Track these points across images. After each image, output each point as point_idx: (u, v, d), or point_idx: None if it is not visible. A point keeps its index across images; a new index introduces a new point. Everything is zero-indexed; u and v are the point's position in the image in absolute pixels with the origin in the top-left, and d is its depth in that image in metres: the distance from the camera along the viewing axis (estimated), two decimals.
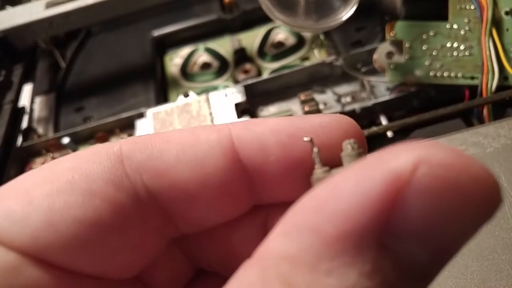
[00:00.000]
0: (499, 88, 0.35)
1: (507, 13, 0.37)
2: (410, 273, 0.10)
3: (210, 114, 0.39)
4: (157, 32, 0.54)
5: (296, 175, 0.15)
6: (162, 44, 0.54)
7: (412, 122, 0.30)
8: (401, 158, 0.10)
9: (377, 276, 0.09)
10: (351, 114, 0.39)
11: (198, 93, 0.46)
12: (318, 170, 0.14)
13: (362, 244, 0.09)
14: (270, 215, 0.16)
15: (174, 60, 0.53)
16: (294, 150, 0.15)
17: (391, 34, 0.38)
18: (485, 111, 0.35)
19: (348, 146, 0.14)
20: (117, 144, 0.15)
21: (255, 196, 0.15)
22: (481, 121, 0.35)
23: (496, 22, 0.37)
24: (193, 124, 0.39)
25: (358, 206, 0.09)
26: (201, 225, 0.16)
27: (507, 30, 0.37)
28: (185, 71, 0.51)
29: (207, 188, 0.15)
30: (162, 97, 0.49)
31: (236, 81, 0.48)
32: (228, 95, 0.41)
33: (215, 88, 0.48)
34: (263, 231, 0.16)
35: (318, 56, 0.40)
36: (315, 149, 0.14)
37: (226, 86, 0.46)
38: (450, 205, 0.09)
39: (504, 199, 0.24)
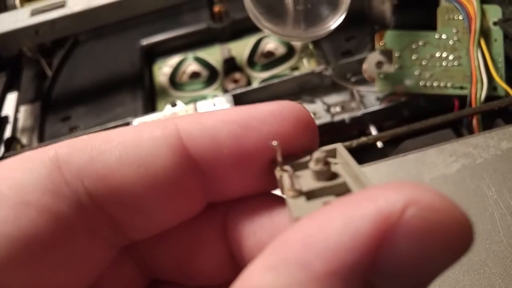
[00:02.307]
0: (488, 98, 0.35)
1: (495, 23, 0.38)
2: None
3: None
4: (145, 41, 0.53)
5: (251, 167, 0.14)
6: (150, 53, 0.54)
7: (402, 132, 0.30)
8: (391, 198, 0.10)
9: None
10: (341, 124, 0.39)
11: (187, 103, 0.45)
12: (285, 175, 0.13)
13: (349, 281, 0.10)
14: (228, 214, 0.15)
15: (163, 69, 0.52)
16: (247, 141, 0.14)
17: (380, 44, 0.38)
18: (474, 121, 0.35)
19: (318, 162, 0.13)
20: (52, 149, 0.13)
21: (209, 193, 0.14)
22: (471, 131, 0.35)
23: (484, 33, 0.37)
24: None
25: (347, 245, 0.10)
26: (152, 230, 0.14)
27: (495, 40, 0.37)
28: (174, 80, 0.51)
29: (155, 190, 0.13)
30: (150, 107, 0.48)
31: (225, 91, 0.48)
32: (216, 105, 0.40)
33: (204, 98, 0.47)
34: (222, 232, 0.15)
35: (307, 65, 0.40)
36: (275, 143, 0.13)
37: (215, 96, 0.46)
38: (435, 246, 0.10)
39: (495, 212, 0.23)
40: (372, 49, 0.45)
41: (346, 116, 0.40)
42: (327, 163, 0.13)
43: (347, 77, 0.42)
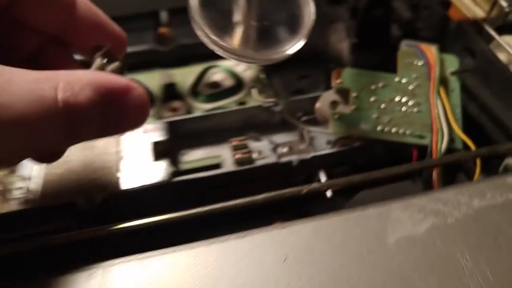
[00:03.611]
0: (447, 150, 0.32)
1: (452, 73, 0.35)
2: None
3: (117, 152, 0.32)
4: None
5: None
6: None
7: (358, 180, 0.25)
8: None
9: None
10: (287, 166, 0.34)
11: None
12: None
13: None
14: None
15: None
16: None
17: (337, 81, 0.35)
18: (435, 174, 0.31)
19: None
20: None
21: None
22: (430, 185, 0.31)
23: (443, 81, 0.35)
24: (95, 164, 0.32)
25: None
26: None
27: (452, 90, 0.35)
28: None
29: None
30: None
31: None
32: (146, 132, 0.35)
33: None
34: None
35: (257, 97, 0.35)
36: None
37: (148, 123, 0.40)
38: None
39: (471, 284, 0.19)
40: (326, 89, 0.41)
41: (294, 158, 0.35)
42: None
43: (298, 115, 0.38)
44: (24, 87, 0.18)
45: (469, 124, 0.34)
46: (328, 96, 0.35)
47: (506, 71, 0.32)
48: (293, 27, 0.27)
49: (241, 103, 0.45)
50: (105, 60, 0.24)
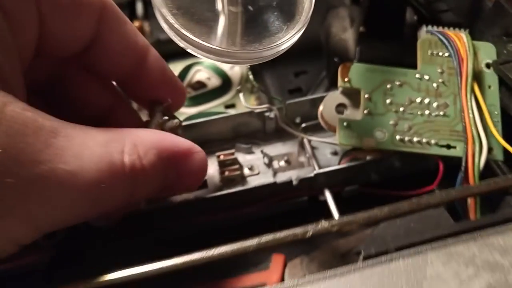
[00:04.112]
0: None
1: (488, 65, 0.29)
2: None
3: None
4: None
5: None
6: None
7: (377, 217, 0.19)
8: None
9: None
10: (286, 186, 0.28)
11: None
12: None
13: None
14: None
15: None
16: None
17: (345, 80, 0.28)
18: (470, 201, 0.25)
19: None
20: None
21: None
22: (463, 213, 0.25)
23: (477, 76, 0.28)
24: None
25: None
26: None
27: (489, 87, 0.28)
28: None
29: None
30: None
31: None
32: None
33: None
34: None
35: (244, 103, 0.29)
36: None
37: None
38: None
39: None
40: (331, 87, 0.35)
41: (293, 175, 0.29)
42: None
43: (296, 121, 0.32)
44: (96, 152, 0.18)
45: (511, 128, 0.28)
46: (334, 98, 0.29)
47: None
48: (288, 14, 0.20)
49: (230, 105, 0.39)
50: (165, 117, 0.25)
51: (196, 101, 0.39)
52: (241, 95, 0.29)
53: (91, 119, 0.24)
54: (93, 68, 0.24)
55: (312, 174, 0.27)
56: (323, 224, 0.19)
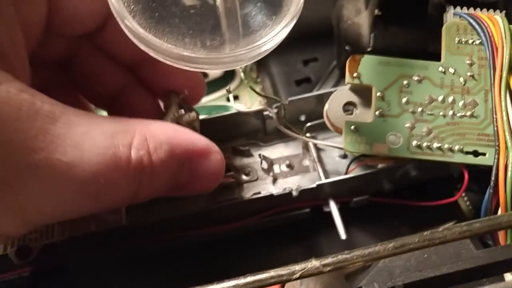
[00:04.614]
0: None
1: None
2: None
3: None
4: None
5: None
6: None
7: (383, 254, 0.15)
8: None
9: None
10: (286, 197, 0.24)
11: None
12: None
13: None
14: None
15: None
16: None
17: (354, 75, 0.24)
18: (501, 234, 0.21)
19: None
20: None
21: None
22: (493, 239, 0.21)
23: None
24: None
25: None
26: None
27: None
28: None
29: None
30: None
31: None
32: None
33: None
34: None
35: (234, 105, 0.25)
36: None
37: None
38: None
39: None
40: (342, 79, 0.31)
41: (295, 183, 0.25)
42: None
43: (301, 119, 0.28)
44: (99, 143, 0.17)
45: None
46: (341, 95, 0.25)
47: None
48: (273, 4, 0.17)
49: (234, 97, 0.35)
50: (182, 111, 0.23)
51: None
52: (231, 96, 0.25)
53: (103, 101, 0.24)
54: (106, 50, 0.23)
55: (314, 185, 0.24)
56: (314, 263, 0.15)
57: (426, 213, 0.25)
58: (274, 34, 0.16)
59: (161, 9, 0.15)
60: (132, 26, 0.15)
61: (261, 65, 0.35)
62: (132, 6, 0.16)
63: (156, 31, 0.15)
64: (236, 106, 0.28)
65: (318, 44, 0.35)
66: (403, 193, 0.26)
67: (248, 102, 0.35)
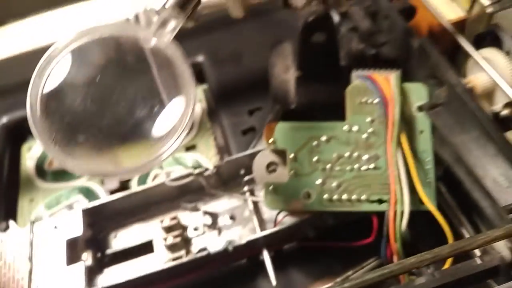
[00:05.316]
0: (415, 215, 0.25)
1: (420, 108, 0.27)
2: None
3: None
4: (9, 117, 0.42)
5: None
6: (18, 131, 0.42)
7: None
8: None
9: None
10: (222, 253, 0.28)
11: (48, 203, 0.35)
12: None
13: None
14: None
15: (32, 151, 0.41)
16: None
17: (270, 141, 0.28)
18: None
19: None
20: None
21: None
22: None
23: (408, 122, 0.27)
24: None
25: None
26: None
27: (421, 132, 0.27)
28: (42, 168, 0.40)
29: None
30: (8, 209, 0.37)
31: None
32: (58, 227, 0.30)
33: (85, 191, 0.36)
34: None
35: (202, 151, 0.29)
36: None
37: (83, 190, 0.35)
38: None
39: None
40: None
41: (236, 234, 0.29)
42: None
43: (241, 173, 0.32)
44: None
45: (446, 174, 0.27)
46: (263, 158, 0.28)
47: (479, 113, 0.24)
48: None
49: (190, 147, 0.39)
50: None
51: None
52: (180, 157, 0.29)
53: None
54: None
55: (244, 241, 0.28)
56: None
57: (351, 251, 0.29)
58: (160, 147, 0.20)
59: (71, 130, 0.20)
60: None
61: (214, 116, 0.39)
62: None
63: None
64: (193, 157, 0.32)
65: (261, 93, 0.38)
66: (330, 235, 0.29)
67: (205, 151, 0.38)
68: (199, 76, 0.42)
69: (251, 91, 0.39)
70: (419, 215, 0.26)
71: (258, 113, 0.38)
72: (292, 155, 0.27)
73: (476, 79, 0.28)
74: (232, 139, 0.37)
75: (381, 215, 0.27)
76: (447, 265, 0.24)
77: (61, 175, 0.39)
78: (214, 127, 0.39)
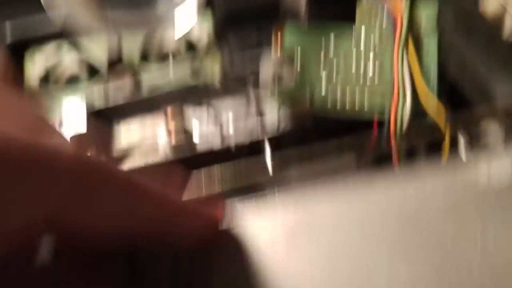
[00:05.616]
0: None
1: (427, 25, 0.28)
2: None
3: None
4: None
5: None
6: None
7: None
8: None
9: None
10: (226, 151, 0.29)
11: None
12: None
13: None
14: None
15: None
16: None
17: (276, 44, 0.28)
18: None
19: None
20: None
21: None
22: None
23: (415, 37, 0.28)
24: None
25: None
26: None
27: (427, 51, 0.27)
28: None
29: None
30: None
31: None
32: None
33: None
34: None
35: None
36: None
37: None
38: None
39: None
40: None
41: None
42: None
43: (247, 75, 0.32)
44: None
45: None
46: (270, 60, 0.29)
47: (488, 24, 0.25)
48: None
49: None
50: None
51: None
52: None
53: None
54: None
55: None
56: None
57: None
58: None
59: None
60: None
61: (221, 34, 0.39)
62: None
63: None
64: None
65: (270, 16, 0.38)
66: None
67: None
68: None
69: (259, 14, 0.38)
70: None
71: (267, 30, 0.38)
72: (299, 57, 0.28)
73: None
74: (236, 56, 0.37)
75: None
76: None
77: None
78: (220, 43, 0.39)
